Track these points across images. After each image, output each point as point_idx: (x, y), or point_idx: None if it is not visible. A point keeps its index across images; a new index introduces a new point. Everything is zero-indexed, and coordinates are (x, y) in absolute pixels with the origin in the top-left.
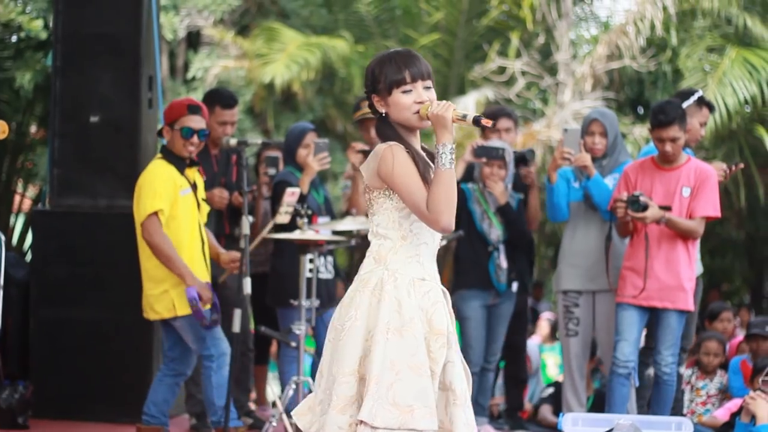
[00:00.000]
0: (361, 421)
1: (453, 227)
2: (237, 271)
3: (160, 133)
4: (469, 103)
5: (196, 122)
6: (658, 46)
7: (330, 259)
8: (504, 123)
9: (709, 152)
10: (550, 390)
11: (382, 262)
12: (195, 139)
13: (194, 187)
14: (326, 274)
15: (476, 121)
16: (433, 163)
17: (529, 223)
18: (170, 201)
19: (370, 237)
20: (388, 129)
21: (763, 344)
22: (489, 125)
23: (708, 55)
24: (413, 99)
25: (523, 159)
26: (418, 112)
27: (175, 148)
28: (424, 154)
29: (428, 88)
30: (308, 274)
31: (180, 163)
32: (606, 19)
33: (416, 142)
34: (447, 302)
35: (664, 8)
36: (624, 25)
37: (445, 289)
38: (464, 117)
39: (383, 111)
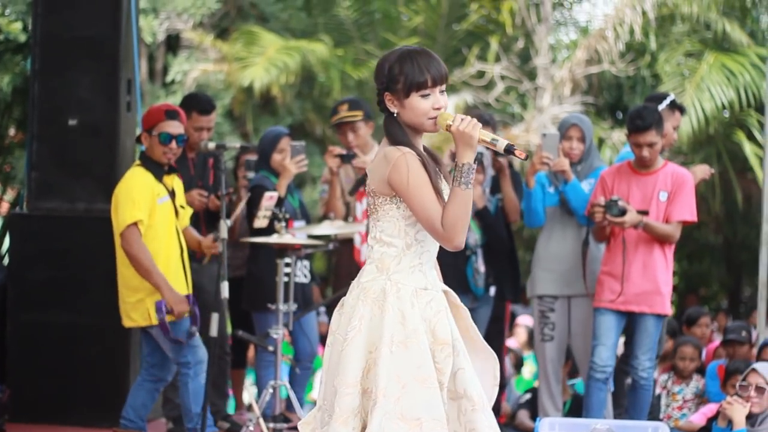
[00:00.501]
0: None
1: (463, 245)
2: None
3: (138, 140)
4: (448, 107)
5: (174, 127)
6: (637, 50)
7: (306, 263)
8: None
9: (687, 157)
10: (528, 396)
11: (384, 270)
12: (173, 144)
13: (172, 194)
14: (302, 278)
15: (508, 150)
16: (437, 164)
17: (509, 214)
18: (148, 210)
19: (371, 242)
20: (397, 129)
21: (740, 349)
22: (522, 157)
23: (686, 60)
24: (431, 104)
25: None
26: (434, 118)
27: (154, 154)
28: (428, 156)
29: (443, 91)
30: (284, 279)
31: (158, 169)
32: (585, 24)
33: (421, 143)
34: (454, 298)
35: (644, 13)
36: (603, 29)
37: (448, 289)
38: (494, 141)
39: (395, 111)
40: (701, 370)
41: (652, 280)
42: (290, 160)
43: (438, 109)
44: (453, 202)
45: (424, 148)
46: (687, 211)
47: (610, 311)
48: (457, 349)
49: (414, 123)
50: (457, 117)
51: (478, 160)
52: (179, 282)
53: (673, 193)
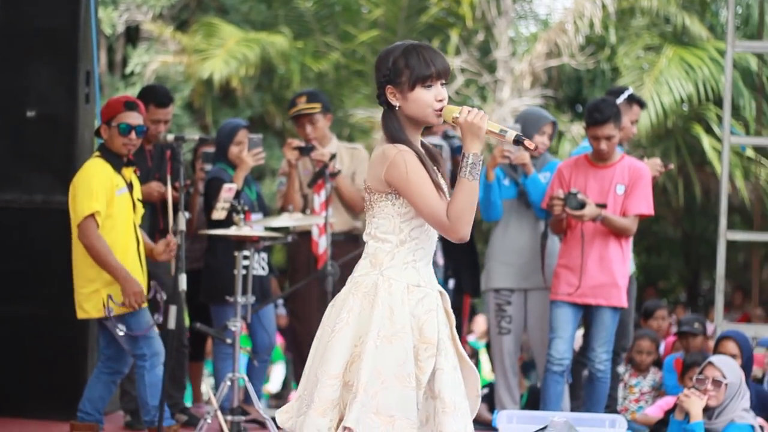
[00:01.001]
0: (346, 428)
1: (468, 237)
2: (173, 257)
3: (98, 133)
4: None
5: (134, 119)
6: (597, 44)
7: (264, 255)
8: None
9: (646, 150)
10: (485, 390)
11: (377, 266)
12: (133, 135)
13: (130, 186)
14: (260, 270)
15: (517, 141)
16: (434, 161)
17: None
18: (106, 201)
19: (366, 238)
20: (395, 124)
21: (693, 341)
22: (531, 147)
23: (646, 53)
24: (434, 96)
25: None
26: (438, 110)
27: (114, 146)
28: (424, 152)
29: (444, 84)
30: (242, 271)
31: (117, 161)
32: (545, 17)
33: (418, 139)
34: (446, 302)
35: (603, 6)
36: (563, 23)
37: (443, 291)
38: (502, 132)
39: (397, 104)
40: (658, 363)
41: (609, 273)
42: (247, 152)
43: (441, 101)
44: (459, 193)
45: (423, 146)
46: (644, 204)
47: (566, 304)
48: (440, 350)
49: (417, 115)
50: (464, 109)
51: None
52: (136, 274)
53: (630, 186)
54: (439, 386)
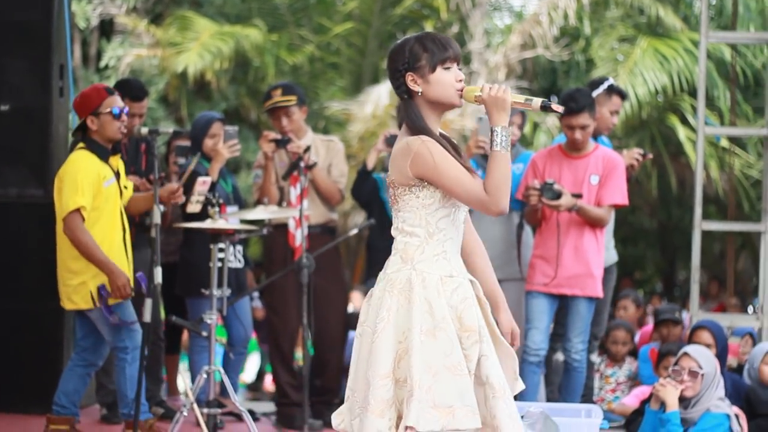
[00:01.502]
0: (407, 427)
1: (508, 210)
2: (179, 201)
3: (77, 131)
4: (383, 92)
5: (119, 102)
6: (571, 35)
7: (240, 248)
8: None
9: (621, 141)
10: None
11: (409, 261)
12: (124, 117)
13: (117, 175)
14: (236, 263)
15: (545, 107)
16: (455, 149)
17: None
18: (93, 194)
19: (394, 233)
20: (416, 113)
21: (674, 329)
22: (560, 111)
23: (620, 44)
24: (454, 76)
25: None
26: (460, 90)
27: (108, 132)
28: (445, 141)
29: (459, 68)
30: (218, 264)
31: (103, 151)
32: (519, 9)
33: (438, 127)
34: (478, 290)
35: None
36: (537, 14)
37: (474, 279)
38: (528, 101)
39: (419, 89)
40: (634, 353)
41: (584, 263)
42: (223, 144)
43: (460, 81)
44: (495, 165)
45: (442, 135)
46: (619, 194)
47: (542, 294)
48: (482, 336)
49: (441, 97)
50: (485, 86)
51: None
52: (122, 264)
53: (605, 176)
54: (486, 372)
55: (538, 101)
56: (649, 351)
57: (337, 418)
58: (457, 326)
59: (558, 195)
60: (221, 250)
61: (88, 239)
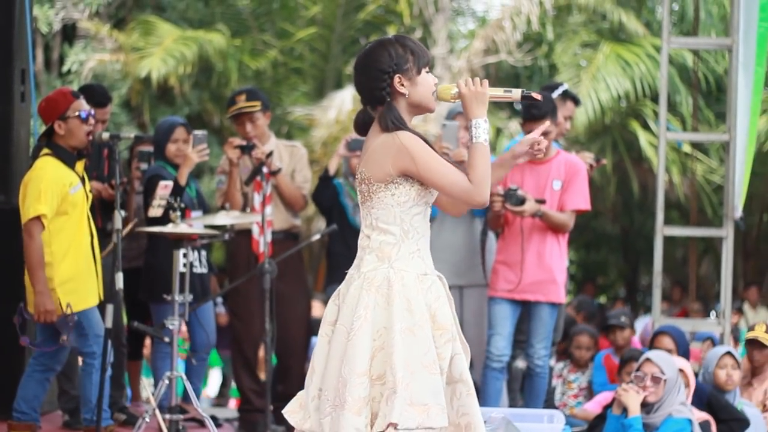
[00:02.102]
0: (390, 424)
1: (488, 202)
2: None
3: (43, 136)
4: (346, 97)
5: (85, 105)
6: (534, 41)
7: (204, 253)
8: None
9: (584, 146)
10: None
11: (386, 259)
12: (91, 120)
13: (83, 180)
14: (200, 268)
15: (525, 97)
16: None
17: None
18: (57, 202)
19: (366, 230)
20: (398, 114)
21: (621, 334)
22: (539, 98)
23: (583, 50)
24: (431, 79)
25: None
26: (435, 92)
27: (76, 136)
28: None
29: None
30: (182, 269)
31: (69, 157)
32: (483, 14)
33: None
34: (445, 286)
35: (540, 3)
36: (500, 20)
37: (441, 276)
38: (507, 93)
39: (405, 92)
40: None
41: (547, 269)
42: (192, 149)
43: (435, 84)
44: (478, 157)
45: (418, 134)
46: (581, 199)
47: (505, 301)
48: (453, 335)
49: (423, 99)
50: (460, 82)
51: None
52: (89, 269)
53: (567, 182)
54: (460, 370)
55: (518, 92)
56: (603, 358)
57: (295, 416)
58: (431, 324)
59: (521, 201)
60: (185, 255)
61: (35, 250)
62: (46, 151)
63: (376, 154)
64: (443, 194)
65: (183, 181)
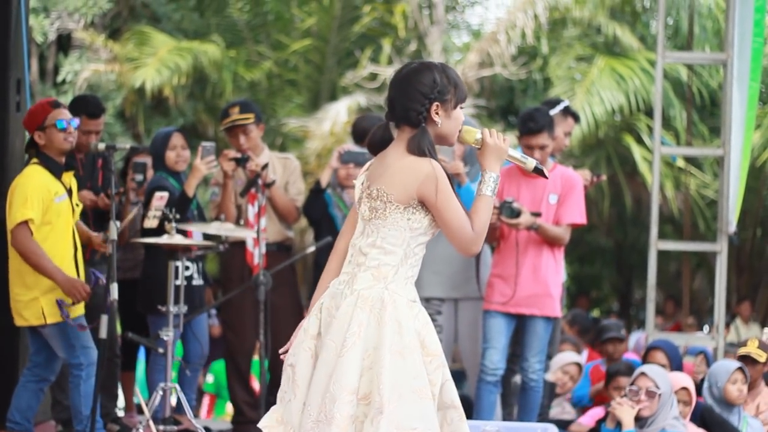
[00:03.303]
0: None
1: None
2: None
3: (29, 147)
4: (341, 109)
5: (65, 114)
6: (529, 54)
7: (200, 265)
8: None
9: (578, 160)
10: None
11: (382, 279)
12: (71, 128)
13: (70, 192)
14: (198, 280)
15: (537, 170)
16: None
17: None
18: (42, 209)
19: (367, 249)
20: (429, 141)
21: (619, 347)
22: (547, 177)
23: (578, 64)
24: (462, 116)
25: None
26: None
27: (55, 146)
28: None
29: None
30: (180, 281)
31: (56, 167)
32: (477, 27)
33: None
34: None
35: (535, 17)
36: (495, 33)
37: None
38: (523, 159)
39: (439, 121)
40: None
41: (542, 283)
42: (200, 160)
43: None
44: (483, 208)
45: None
46: (577, 213)
47: (500, 314)
48: (443, 361)
49: (450, 133)
50: (485, 131)
51: (367, 161)
52: None
53: (563, 195)
54: (451, 396)
55: (532, 162)
56: (591, 369)
57: (277, 428)
58: (420, 351)
59: (517, 213)
60: (187, 267)
61: (35, 248)
62: (34, 160)
63: (403, 175)
64: (445, 231)
65: (191, 193)
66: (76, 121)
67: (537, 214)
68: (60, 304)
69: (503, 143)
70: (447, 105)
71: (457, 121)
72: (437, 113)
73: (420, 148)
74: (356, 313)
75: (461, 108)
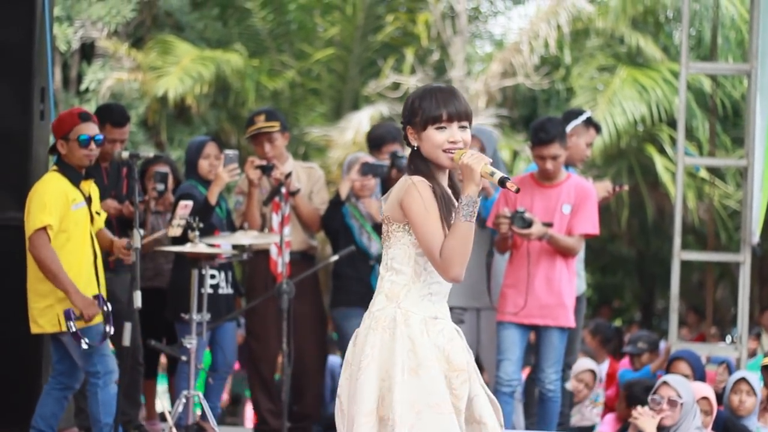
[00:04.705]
0: None
1: (462, 278)
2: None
3: (52, 150)
4: (363, 119)
5: (91, 129)
6: (552, 64)
7: (230, 274)
8: (392, 147)
9: (600, 170)
10: None
11: (394, 299)
12: (93, 145)
13: (89, 200)
14: (227, 289)
15: (502, 183)
16: (451, 203)
17: None
18: (60, 215)
19: (381, 271)
20: (421, 162)
21: (639, 359)
22: (513, 190)
23: (600, 74)
24: (446, 137)
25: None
26: (449, 151)
27: (75, 159)
28: (449, 192)
29: (464, 128)
30: (207, 290)
31: (75, 175)
32: (500, 37)
33: (444, 179)
34: (463, 341)
35: (558, 27)
36: (518, 43)
37: (458, 327)
38: (492, 174)
39: (415, 144)
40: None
41: (556, 293)
42: (223, 168)
43: (453, 143)
44: (452, 234)
45: (442, 192)
46: (590, 224)
47: (513, 325)
48: (470, 375)
49: (431, 156)
50: (467, 153)
51: (386, 173)
52: (91, 289)
53: (577, 206)
54: (480, 412)
55: (498, 176)
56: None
57: None
58: (445, 366)
59: (529, 223)
60: (213, 276)
61: (51, 257)
62: (53, 167)
63: (393, 194)
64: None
65: (213, 200)
66: (101, 137)
67: (549, 225)
68: (68, 314)
69: (474, 162)
70: (416, 127)
71: (429, 143)
72: (412, 136)
73: (408, 166)
74: (370, 335)
75: (438, 128)
